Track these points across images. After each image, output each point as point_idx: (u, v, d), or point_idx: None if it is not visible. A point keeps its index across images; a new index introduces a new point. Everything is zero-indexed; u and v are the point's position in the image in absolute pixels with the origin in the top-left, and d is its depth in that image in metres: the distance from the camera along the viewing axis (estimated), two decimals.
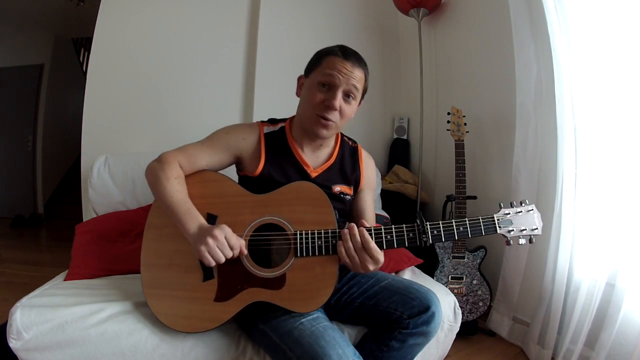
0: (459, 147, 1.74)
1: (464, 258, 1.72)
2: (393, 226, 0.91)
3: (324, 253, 0.91)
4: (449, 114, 1.79)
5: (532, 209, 0.93)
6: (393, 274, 1.34)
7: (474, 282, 1.71)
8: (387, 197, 2.07)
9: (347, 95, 0.99)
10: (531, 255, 1.68)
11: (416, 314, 0.97)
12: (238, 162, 1.09)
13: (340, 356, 0.81)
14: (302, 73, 1.08)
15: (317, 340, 0.83)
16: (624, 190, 1.34)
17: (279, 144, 1.07)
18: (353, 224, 0.90)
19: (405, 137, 2.45)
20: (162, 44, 2.04)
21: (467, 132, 1.78)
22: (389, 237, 0.90)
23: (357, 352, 0.88)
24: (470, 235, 0.90)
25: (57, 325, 0.96)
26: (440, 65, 2.29)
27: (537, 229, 0.93)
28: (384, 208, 1.97)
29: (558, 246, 1.50)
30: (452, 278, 1.72)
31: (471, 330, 1.74)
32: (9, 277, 2.43)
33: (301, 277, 0.92)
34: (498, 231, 0.91)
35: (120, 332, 0.97)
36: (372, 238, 0.88)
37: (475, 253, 1.72)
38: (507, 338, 1.73)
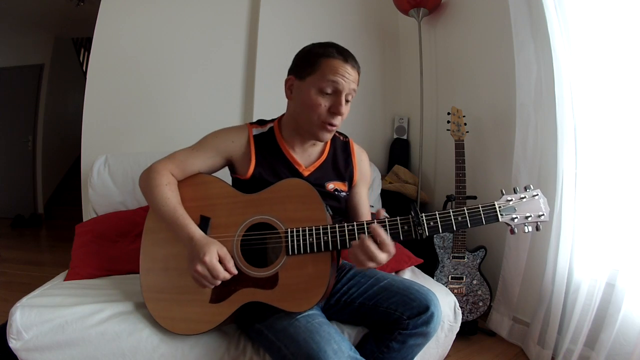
0: (459, 147, 1.74)
1: (464, 258, 1.72)
2: (386, 219, 0.87)
3: (315, 250, 0.89)
4: (449, 114, 1.79)
5: (537, 194, 0.86)
6: (393, 273, 1.34)
7: (474, 282, 1.71)
8: (387, 197, 2.07)
9: (346, 99, 0.97)
10: (531, 255, 1.68)
11: (416, 314, 0.97)
12: (230, 164, 1.09)
13: (335, 351, 0.80)
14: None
15: (312, 336, 0.82)
16: (624, 190, 1.34)
17: (268, 145, 1.06)
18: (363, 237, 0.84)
19: (405, 137, 2.45)
20: (162, 43, 2.04)
21: (467, 132, 1.78)
22: None
23: (352, 347, 0.88)
24: (470, 225, 0.83)
25: (57, 325, 0.96)
26: (440, 65, 2.29)
27: (543, 214, 0.85)
28: (383, 208, 1.96)
29: (558, 246, 1.50)
30: (452, 278, 1.72)
31: (471, 330, 1.74)
32: (9, 277, 2.43)
33: (293, 276, 0.90)
34: (500, 219, 0.84)
35: (120, 332, 0.97)
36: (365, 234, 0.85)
37: (475, 253, 1.72)
38: (507, 338, 1.73)
